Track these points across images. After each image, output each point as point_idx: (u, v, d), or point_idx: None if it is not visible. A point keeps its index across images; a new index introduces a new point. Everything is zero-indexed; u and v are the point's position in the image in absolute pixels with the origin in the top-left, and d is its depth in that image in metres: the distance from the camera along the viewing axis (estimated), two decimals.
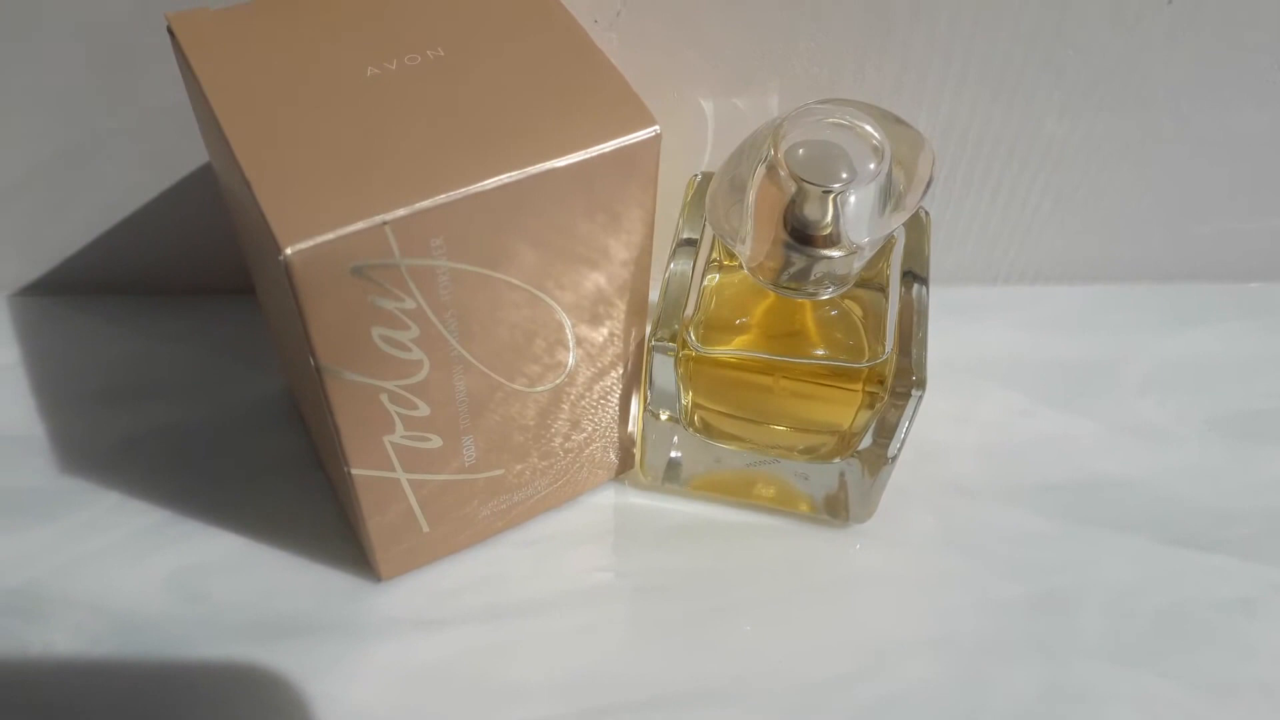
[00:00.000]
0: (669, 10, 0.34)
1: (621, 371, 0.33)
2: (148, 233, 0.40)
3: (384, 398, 0.28)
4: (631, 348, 0.32)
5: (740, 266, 0.32)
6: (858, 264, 0.31)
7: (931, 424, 0.39)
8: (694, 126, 0.37)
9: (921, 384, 0.31)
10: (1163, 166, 0.40)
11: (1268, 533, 0.36)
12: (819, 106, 0.30)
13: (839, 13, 0.35)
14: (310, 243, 0.23)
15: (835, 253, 0.30)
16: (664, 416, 0.34)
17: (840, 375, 0.32)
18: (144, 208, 0.39)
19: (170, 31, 0.27)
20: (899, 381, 0.31)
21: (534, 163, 0.25)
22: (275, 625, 0.33)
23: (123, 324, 0.40)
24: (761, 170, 0.29)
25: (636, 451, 0.36)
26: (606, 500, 0.37)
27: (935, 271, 0.42)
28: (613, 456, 0.36)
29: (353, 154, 0.24)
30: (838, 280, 0.31)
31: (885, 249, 0.34)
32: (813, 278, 0.31)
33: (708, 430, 0.35)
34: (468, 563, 0.35)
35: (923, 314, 0.33)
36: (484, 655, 0.33)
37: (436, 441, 0.30)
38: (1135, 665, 0.33)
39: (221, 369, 0.39)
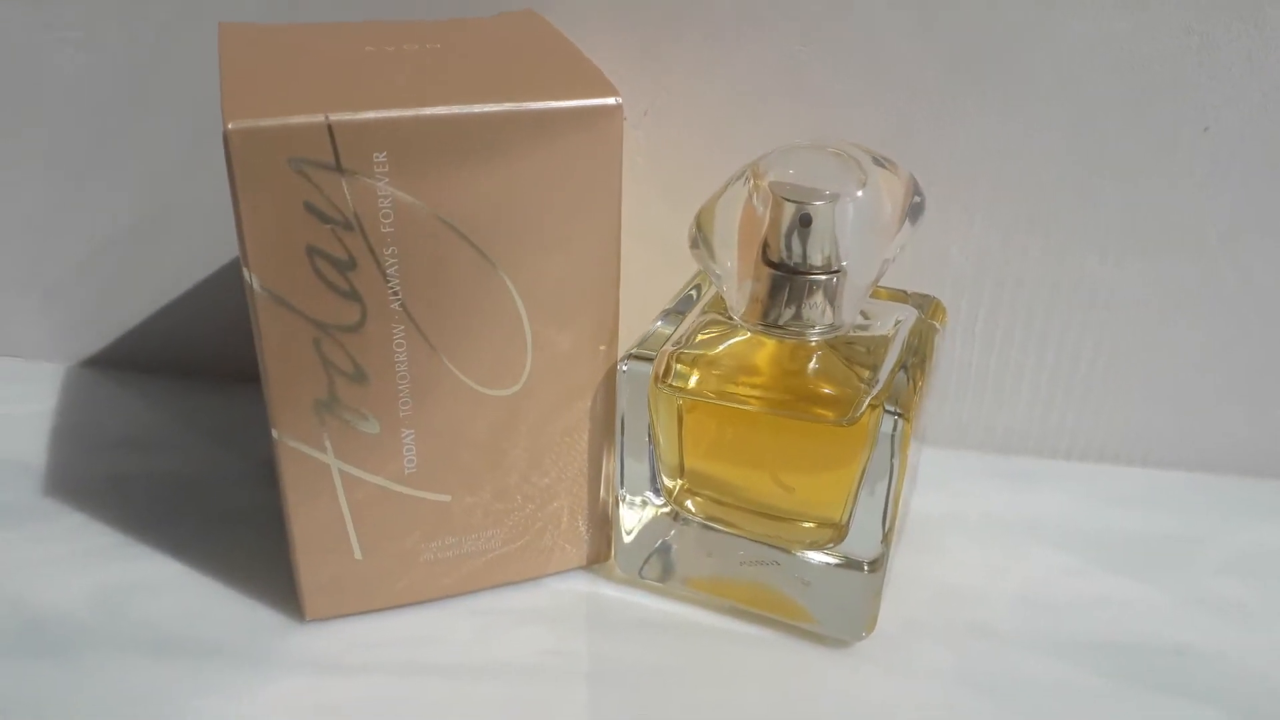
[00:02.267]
0: (693, 112, 0.36)
1: (589, 408, 0.31)
2: (186, 318, 0.42)
3: (317, 344, 0.27)
4: (600, 377, 0.30)
5: (733, 321, 0.31)
6: (848, 306, 0.30)
7: (963, 570, 0.34)
8: None
9: (904, 417, 0.28)
10: (1229, 324, 0.37)
11: None
12: (801, 143, 0.30)
13: (862, 124, 0.36)
14: (252, 122, 0.24)
15: (820, 276, 0.29)
16: (638, 501, 0.32)
17: (824, 403, 0.29)
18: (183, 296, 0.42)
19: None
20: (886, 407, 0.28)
21: (485, 102, 0.26)
22: (179, 646, 0.30)
23: (152, 398, 0.42)
24: (744, 195, 0.29)
25: (611, 533, 0.33)
26: (576, 586, 0.33)
27: (985, 436, 0.39)
28: (583, 529, 0.33)
29: (322, 81, 0.26)
30: (826, 323, 0.29)
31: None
32: (801, 316, 0.29)
33: (685, 500, 0.32)
34: (403, 619, 0.31)
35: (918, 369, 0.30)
36: (386, 709, 0.29)
37: (374, 425, 0.28)
38: None
39: (222, 438, 0.40)
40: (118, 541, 0.34)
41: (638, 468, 0.32)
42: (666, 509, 0.32)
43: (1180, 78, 0.34)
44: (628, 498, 0.32)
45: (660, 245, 0.34)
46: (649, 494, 0.32)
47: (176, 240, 0.41)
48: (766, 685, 0.30)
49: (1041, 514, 0.37)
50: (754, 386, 0.30)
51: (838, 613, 0.31)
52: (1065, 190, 0.36)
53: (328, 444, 0.28)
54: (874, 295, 0.33)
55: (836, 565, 0.31)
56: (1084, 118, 0.34)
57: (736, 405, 0.29)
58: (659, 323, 0.32)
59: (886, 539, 0.29)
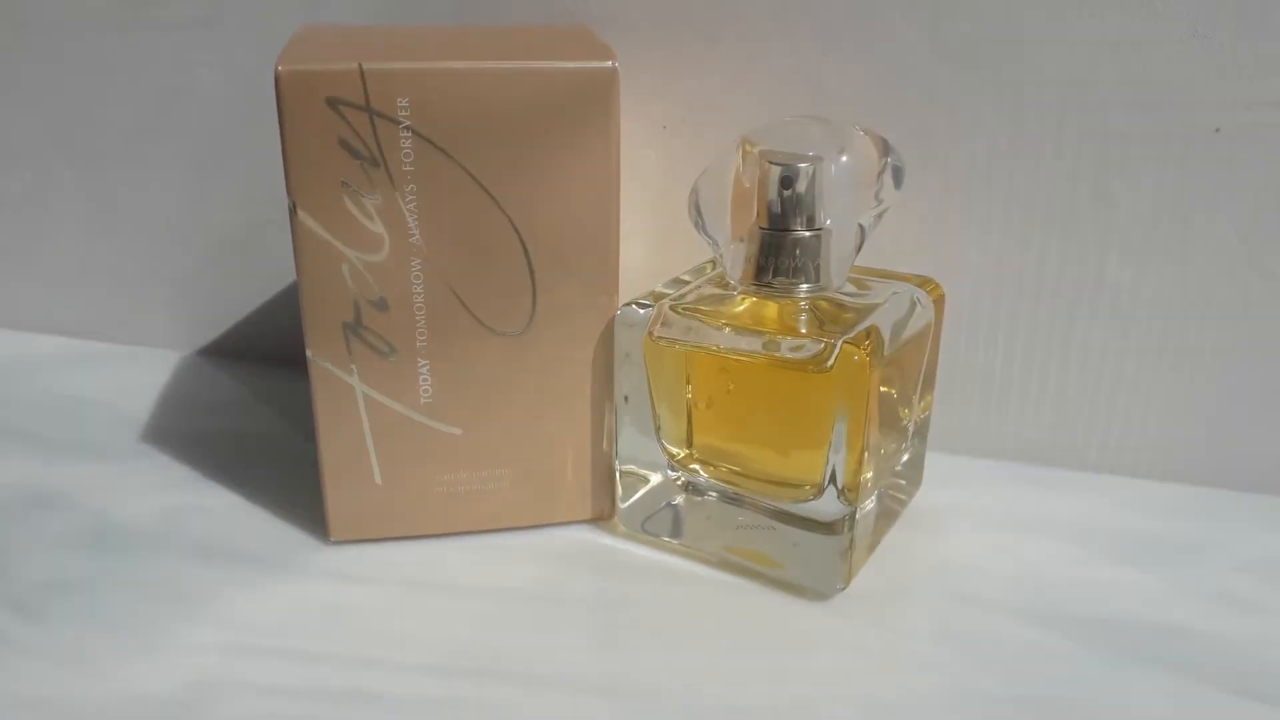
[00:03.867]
0: (724, 119, 0.40)
1: (592, 360, 0.33)
2: (279, 313, 0.48)
3: (345, 269, 0.31)
4: (601, 329, 0.33)
5: (731, 286, 0.33)
6: (835, 266, 0.32)
7: (964, 549, 0.35)
8: None
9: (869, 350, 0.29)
10: (1261, 334, 0.37)
11: None
12: (789, 117, 0.33)
13: (882, 130, 0.38)
14: (297, 66, 0.29)
15: (804, 234, 0.31)
16: (637, 459, 0.34)
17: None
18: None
19: None
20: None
21: (498, 61, 0.30)
22: (223, 553, 0.34)
23: (242, 379, 0.48)
24: (735, 161, 0.32)
25: (615, 489, 0.35)
26: (579, 535, 0.35)
27: (1011, 445, 0.40)
28: (588, 482, 0.35)
29: (364, 46, 0.31)
30: (814, 277, 0.32)
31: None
32: (789, 274, 0.32)
33: (689, 464, 0.34)
34: (416, 547, 0.34)
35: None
36: (384, 612, 0.31)
37: (394, 355, 0.32)
38: None
39: (288, 412, 0.45)
40: (189, 477, 0.39)
41: (636, 423, 0.34)
42: (670, 471, 0.34)
43: (1188, 79, 0.35)
44: (624, 454, 0.34)
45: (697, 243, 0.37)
46: (650, 448, 0.34)
47: (276, 245, 0.47)
48: (744, 627, 0.31)
49: (1058, 513, 0.37)
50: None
51: (813, 568, 0.32)
52: (1080, 192, 0.37)
53: (353, 367, 0.32)
54: (877, 275, 0.35)
55: (809, 523, 0.32)
56: (1095, 120, 0.36)
57: (725, 354, 0.32)
58: (664, 286, 0.35)
59: (847, 494, 0.31)
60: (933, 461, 0.39)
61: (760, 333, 0.31)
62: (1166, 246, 0.37)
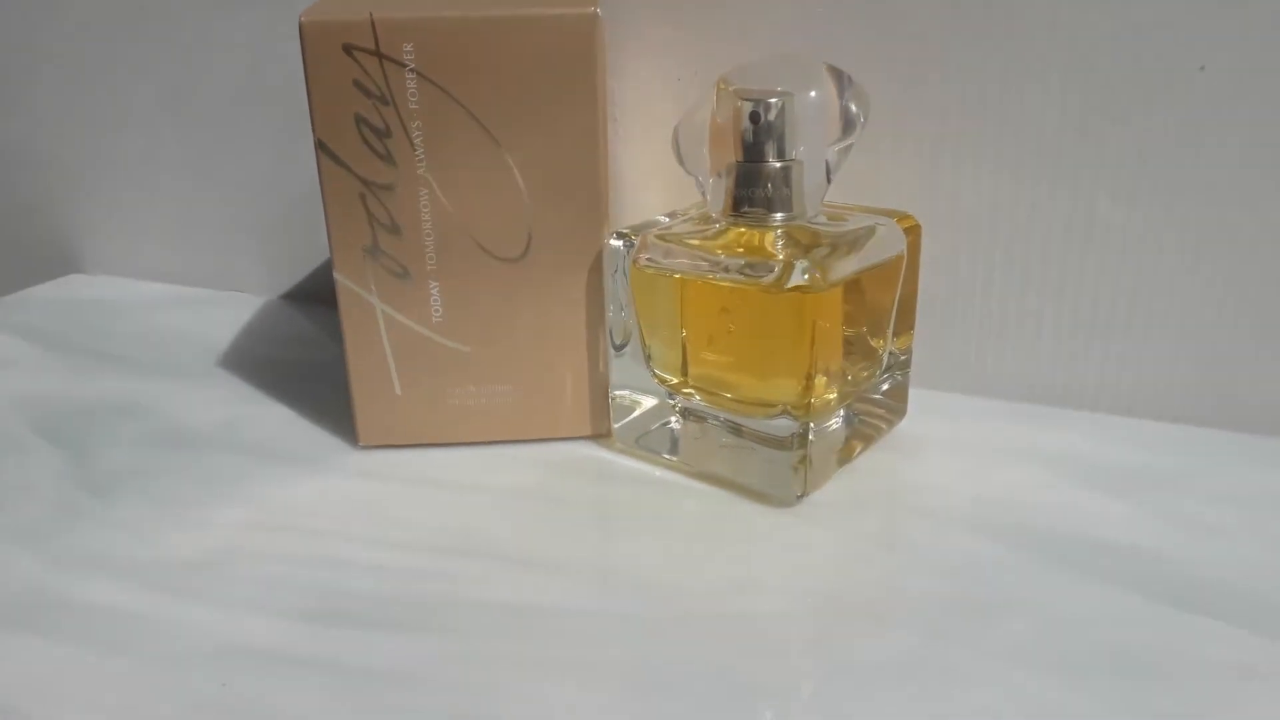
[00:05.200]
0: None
1: (586, 284, 0.37)
2: None
3: (363, 198, 0.35)
4: (593, 257, 0.36)
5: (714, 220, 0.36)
6: (808, 196, 0.34)
7: (934, 472, 0.37)
8: None
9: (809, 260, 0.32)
10: (1251, 268, 0.37)
11: None
12: (764, 57, 0.35)
13: (871, 74, 0.40)
14: (318, 17, 0.33)
15: (776, 164, 0.34)
16: (627, 385, 0.37)
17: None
18: None
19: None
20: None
21: (489, 9, 0.33)
22: (268, 452, 0.39)
23: (316, 320, 0.53)
24: (712, 102, 0.35)
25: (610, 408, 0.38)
26: (577, 449, 0.39)
27: (1007, 384, 0.41)
28: (586, 400, 0.38)
29: (380, 2, 0.35)
30: (788, 206, 0.34)
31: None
32: (764, 203, 0.34)
33: (682, 388, 0.37)
34: (431, 452, 0.38)
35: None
36: (398, 502, 0.35)
37: (407, 277, 0.36)
38: (1041, 674, 0.26)
39: None
40: (252, 394, 0.44)
41: (628, 349, 0.37)
42: (663, 393, 0.37)
43: (1171, 16, 0.35)
44: (616, 379, 0.38)
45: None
46: (641, 374, 0.37)
47: None
48: (709, 526, 0.34)
49: (1041, 445, 0.38)
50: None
51: (774, 479, 0.34)
52: (1068, 133, 0.38)
53: (373, 286, 0.36)
54: (858, 210, 0.37)
55: (770, 439, 0.34)
56: (1080, 59, 0.37)
57: (700, 277, 0.34)
58: (659, 218, 0.38)
59: (794, 412, 0.33)
60: (925, 397, 0.41)
61: (721, 255, 0.33)
62: (1155, 185, 0.37)
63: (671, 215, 0.38)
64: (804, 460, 0.34)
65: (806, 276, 0.32)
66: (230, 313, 0.54)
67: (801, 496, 0.34)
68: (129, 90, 0.56)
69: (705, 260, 0.34)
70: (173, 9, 0.53)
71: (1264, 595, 0.29)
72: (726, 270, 0.33)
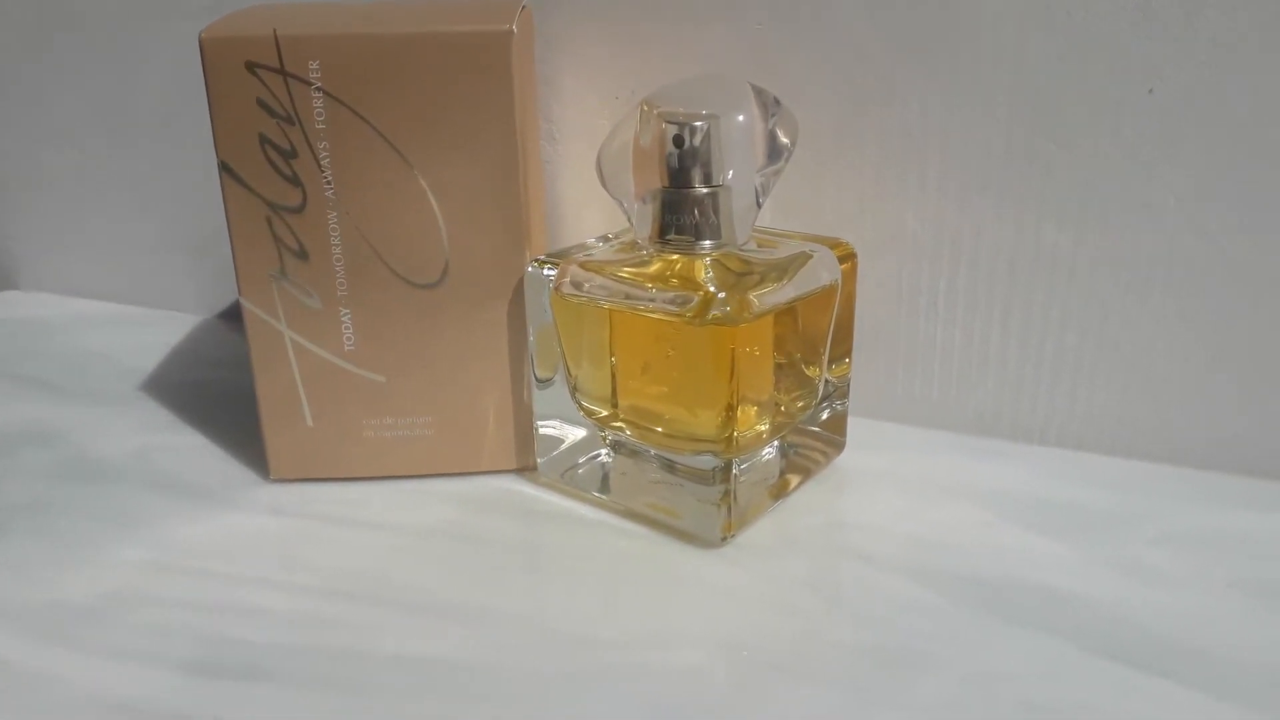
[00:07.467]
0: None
1: (508, 313, 0.35)
2: None
3: (269, 222, 0.33)
4: (515, 285, 0.35)
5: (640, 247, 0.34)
6: (737, 223, 0.33)
7: (870, 511, 0.35)
8: None
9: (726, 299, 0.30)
10: (1203, 298, 0.35)
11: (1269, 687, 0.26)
12: (688, 78, 0.34)
13: (812, 96, 0.38)
14: (219, 33, 0.31)
15: (702, 190, 0.32)
16: (554, 416, 0.36)
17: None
18: None
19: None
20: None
21: (399, 28, 0.32)
22: (178, 487, 0.37)
23: None
24: (636, 121, 0.33)
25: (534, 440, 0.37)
26: (501, 483, 0.37)
27: (953, 417, 0.39)
28: (510, 432, 0.37)
29: (284, 17, 0.33)
30: (716, 233, 0.32)
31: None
32: (690, 231, 0.32)
33: (611, 421, 0.35)
34: (347, 488, 0.37)
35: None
36: (308, 540, 0.34)
37: (316, 302, 0.34)
38: None
39: None
40: (170, 421, 0.43)
41: (550, 378, 0.35)
42: (591, 426, 0.35)
43: (1118, 39, 0.34)
44: (540, 410, 0.36)
45: None
46: (567, 405, 0.35)
47: None
48: (630, 569, 0.32)
49: (982, 482, 0.36)
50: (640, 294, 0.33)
51: (698, 517, 0.33)
52: (1014, 157, 0.36)
53: (281, 313, 0.35)
54: (793, 237, 0.36)
55: (695, 474, 0.33)
56: (1025, 83, 0.35)
57: (620, 307, 0.33)
58: (589, 242, 0.36)
59: (716, 447, 0.31)
60: (868, 428, 0.39)
61: (649, 285, 0.32)
62: (1103, 211, 0.36)
63: (604, 239, 0.37)
64: (727, 496, 0.32)
65: (729, 308, 0.30)
66: (161, 333, 0.52)
67: (728, 538, 0.33)
68: (61, 105, 0.54)
69: (625, 290, 0.32)
70: (106, 24, 0.51)
71: (1204, 649, 0.28)
72: (651, 301, 0.32)
